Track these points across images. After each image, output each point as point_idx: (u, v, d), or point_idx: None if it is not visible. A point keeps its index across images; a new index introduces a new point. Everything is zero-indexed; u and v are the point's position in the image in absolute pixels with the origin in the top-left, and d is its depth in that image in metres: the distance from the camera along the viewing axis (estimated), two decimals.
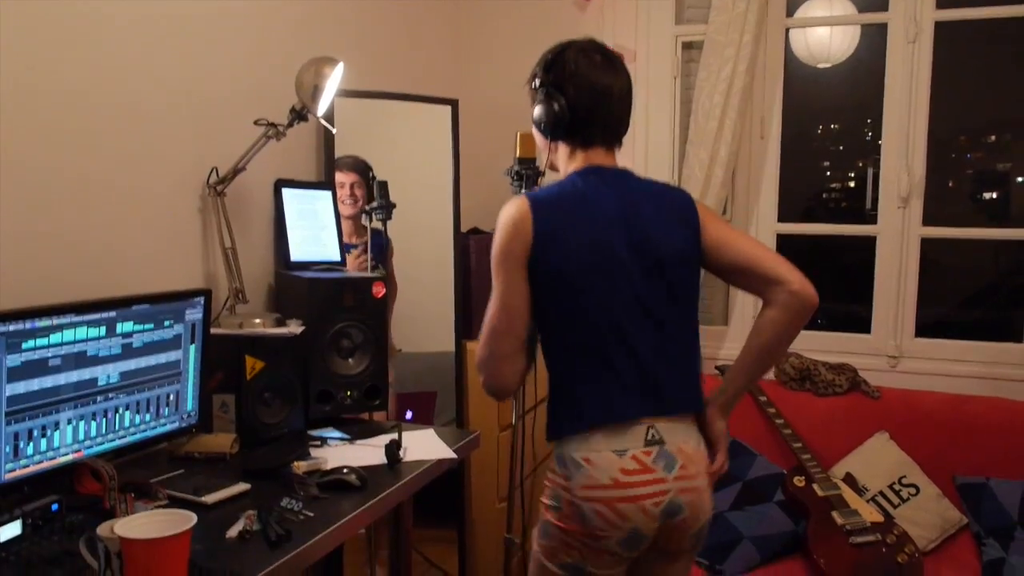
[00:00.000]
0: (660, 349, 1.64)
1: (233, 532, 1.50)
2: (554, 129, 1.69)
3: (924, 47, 3.00)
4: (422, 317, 3.05)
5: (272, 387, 2.09)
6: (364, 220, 2.85)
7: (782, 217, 3.28)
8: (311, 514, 1.61)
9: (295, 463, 1.83)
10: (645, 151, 3.37)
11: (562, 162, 1.74)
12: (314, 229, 2.53)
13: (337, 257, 2.54)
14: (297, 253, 2.45)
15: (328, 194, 2.59)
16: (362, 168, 2.81)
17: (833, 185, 3.94)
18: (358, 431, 2.17)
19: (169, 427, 1.90)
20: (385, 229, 2.74)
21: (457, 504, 2.99)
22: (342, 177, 2.78)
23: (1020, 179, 2.93)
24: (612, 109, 1.68)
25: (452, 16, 3.45)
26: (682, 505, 1.61)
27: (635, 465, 1.58)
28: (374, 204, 2.74)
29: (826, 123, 4.25)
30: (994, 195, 3.90)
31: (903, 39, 3.02)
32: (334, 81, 2.09)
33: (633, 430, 1.60)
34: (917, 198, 3.06)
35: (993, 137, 4.02)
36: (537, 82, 1.70)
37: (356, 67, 2.79)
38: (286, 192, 2.47)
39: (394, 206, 2.75)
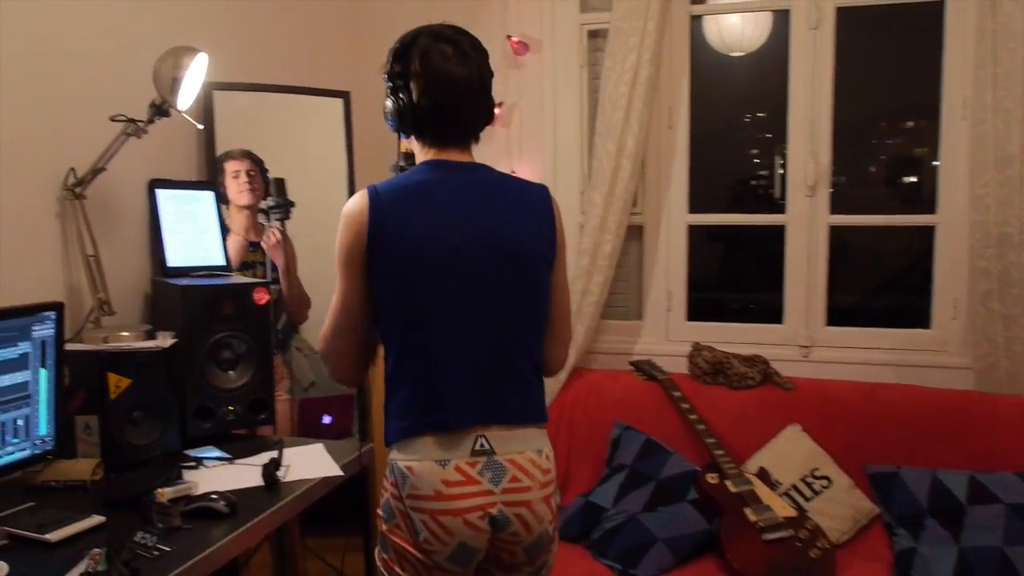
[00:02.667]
0: (502, 353, 1.57)
1: (74, 575, 1.34)
2: (400, 124, 1.60)
3: (826, 34, 2.97)
4: None
5: (141, 405, 1.93)
6: (260, 218, 2.69)
7: (695, 208, 3.23)
8: (167, 548, 1.46)
9: (159, 490, 1.67)
10: (554, 143, 3.28)
11: (418, 156, 1.65)
12: (194, 232, 2.36)
13: (220, 261, 2.38)
14: (175, 258, 2.28)
15: (210, 195, 2.42)
16: (256, 158, 2.66)
17: (747, 175, 3.92)
18: (241, 449, 2.02)
19: (18, 455, 1.73)
20: (284, 229, 2.60)
21: (361, 510, 2.85)
22: (236, 165, 2.62)
23: (935, 164, 2.93)
24: (462, 105, 1.57)
25: (345, 6, 3.28)
26: (510, 519, 1.54)
27: (458, 476, 1.51)
28: (270, 203, 2.59)
29: (741, 112, 4.22)
30: (912, 180, 3.93)
31: (805, 25, 2.99)
32: (196, 73, 1.94)
33: (461, 439, 1.52)
34: (824, 186, 3.03)
35: (911, 123, 4.05)
36: (384, 74, 1.60)
37: (241, 59, 2.64)
38: (161, 193, 2.30)
39: (292, 205, 2.61)
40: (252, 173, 2.64)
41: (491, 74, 1.63)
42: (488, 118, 1.64)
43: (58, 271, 2.02)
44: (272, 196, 2.58)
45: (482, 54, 1.60)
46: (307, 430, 2.89)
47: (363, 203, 1.53)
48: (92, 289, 2.00)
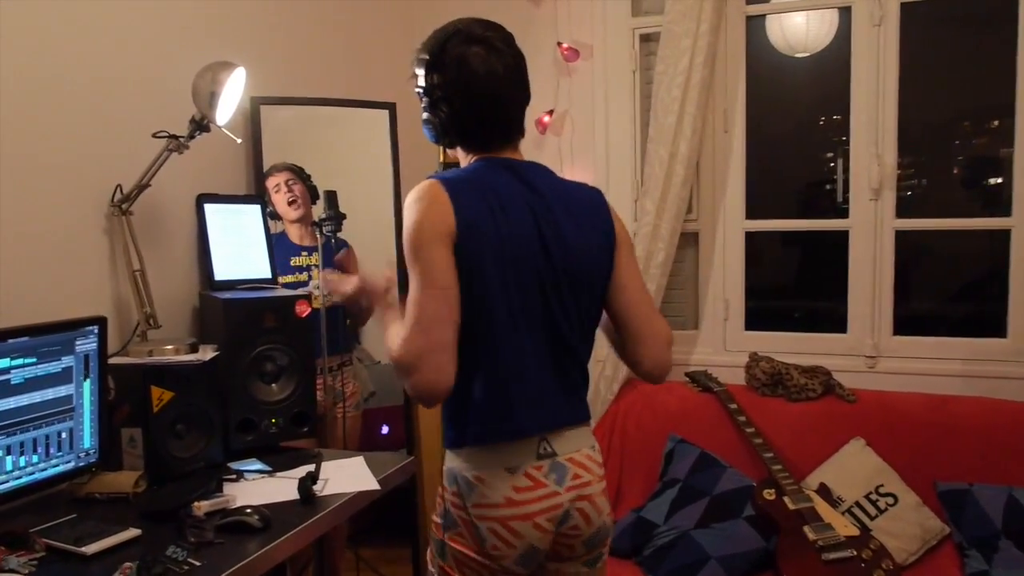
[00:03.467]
0: (560, 361, 1.55)
1: None
2: (444, 138, 1.56)
3: (890, 30, 2.84)
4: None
5: (185, 418, 1.95)
6: (313, 230, 2.71)
7: (753, 214, 3.13)
8: (197, 563, 1.46)
9: (196, 503, 1.68)
10: (606, 150, 3.22)
11: (464, 161, 1.61)
12: (241, 245, 2.39)
13: (267, 274, 2.40)
14: (222, 271, 2.31)
15: (256, 208, 2.45)
16: (293, 168, 2.68)
17: (809, 179, 3.77)
18: (283, 462, 2.03)
19: (63, 467, 1.76)
20: (335, 241, 2.62)
21: (410, 521, 2.84)
22: (275, 180, 2.65)
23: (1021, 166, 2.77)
24: (505, 105, 1.53)
25: (389, 18, 3.29)
26: (572, 514, 1.53)
27: (527, 482, 1.49)
28: (323, 216, 2.61)
29: (805, 115, 4.08)
30: (996, 182, 3.74)
31: (868, 22, 2.86)
32: (234, 88, 1.95)
33: (525, 444, 1.51)
34: (890, 189, 2.90)
35: (996, 122, 3.85)
36: (420, 88, 1.55)
37: (287, 74, 2.67)
38: (208, 207, 2.33)
39: (344, 217, 2.63)
40: (291, 182, 2.65)
41: (523, 58, 1.56)
42: (527, 102, 1.58)
43: (105, 286, 2.06)
44: (324, 209, 2.60)
45: (514, 45, 1.55)
46: (367, 442, 2.91)
47: (439, 189, 1.45)
48: (138, 303, 2.03)
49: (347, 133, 2.78)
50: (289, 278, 2.65)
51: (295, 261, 2.70)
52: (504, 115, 1.54)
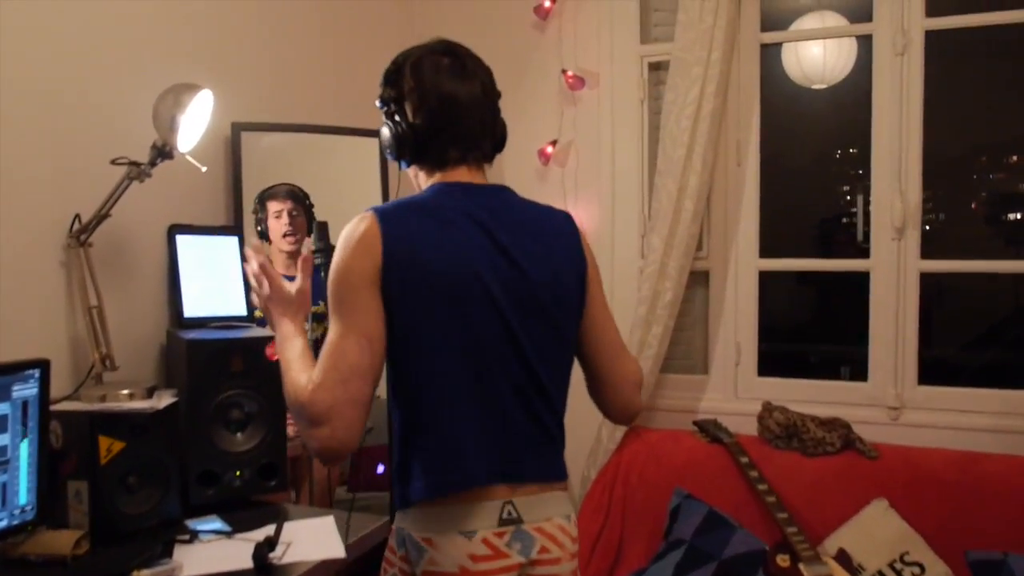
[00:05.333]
0: (526, 404, 1.37)
1: None
2: (399, 151, 1.41)
3: (914, 59, 2.67)
4: None
5: (137, 470, 1.77)
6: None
7: (767, 252, 2.94)
8: None
9: (136, 571, 1.50)
10: (612, 183, 3.06)
11: (422, 183, 1.47)
12: (216, 280, 2.23)
13: (242, 311, 2.23)
14: (192, 308, 2.15)
15: (234, 240, 2.29)
16: (298, 195, 2.55)
17: (827, 216, 3.60)
18: (246, 520, 1.84)
19: None
20: (324, 274, 2.47)
21: None
22: (278, 205, 2.52)
23: None
24: (462, 121, 1.39)
25: (377, 44, 3.14)
26: None
27: (486, 550, 1.32)
28: (313, 248, 2.48)
29: (822, 149, 3.92)
30: (1016, 218, 3.56)
31: (890, 51, 2.70)
32: (199, 111, 1.80)
33: (485, 506, 1.33)
34: (914, 228, 2.71)
35: (1015, 157, 3.68)
36: (378, 100, 1.44)
37: (269, 99, 2.53)
38: (181, 239, 2.17)
39: (334, 249, 2.48)
40: (294, 214, 2.53)
41: (497, 93, 1.46)
42: (498, 142, 1.47)
43: (60, 323, 1.90)
44: (315, 240, 2.46)
45: (485, 70, 1.44)
46: (361, 482, 2.73)
47: (371, 224, 1.32)
48: (93, 343, 1.87)
49: (334, 162, 2.63)
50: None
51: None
52: (463, 131, 1.40)
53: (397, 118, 1.39)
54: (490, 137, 1.44)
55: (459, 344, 1.32)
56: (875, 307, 2.78)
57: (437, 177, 1.43)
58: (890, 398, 2.74)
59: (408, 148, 1.41)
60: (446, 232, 1.33)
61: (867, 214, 2.82)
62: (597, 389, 1.53)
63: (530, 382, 1.37)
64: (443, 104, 1.37)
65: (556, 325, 1.40)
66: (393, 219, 1.32)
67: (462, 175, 1.42)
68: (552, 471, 1.42)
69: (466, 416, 1.34)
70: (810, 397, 2.83)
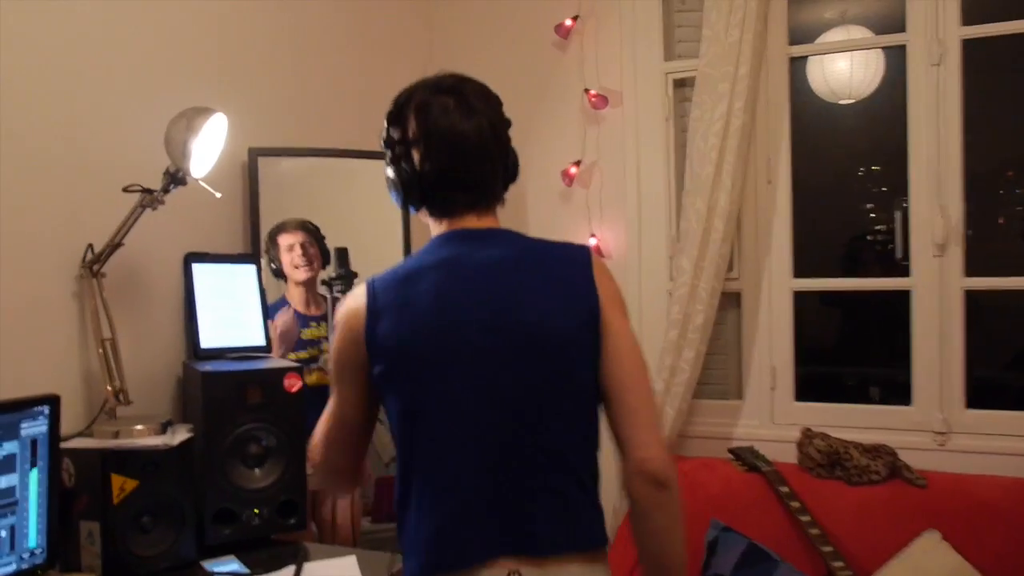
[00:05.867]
0: (528, 464, 1.24)
1: None
2: (406, 197, 1.36)
3: (951, 70, 2.57)
4: None
5: (151, 510, 1.70)
6: (322, 290, 2.51)
7: (801, 272, 2.84)
8: None
9: None
10: (637, 204, 2.97)
11: (432, 229, 1.40)
12: (233, 309, 2.16)
13: (260, 341, 2.16)
14: (209, 339, 2.08)
15: (251, 268, 2.23)
16: (309, 227, 2.50)
17: (862, 234, 3.49)
18: (265, 560, 1.76)
19: (2, 571, 1.51)
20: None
21: None
22: (290, 239, 2.46)
23: None
24: (471, 166, 1.32)
25: (398, 67, 3.09)
26: None
27: None
28: (332, 274, 2.42)
29: (852, 164, 3.82)
30: None
31: (926, 61, 2.60)
32: (212, 136, 1.74)
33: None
34: (956, 244, 2.59)
35: None
36: (382, 141, 1.39)
37: (287, 123, 2.48)
38: (197, 267, 2.12)
39: (355, 275, 2.42)
40: (306, 245, 2.48)
41: (507, 123, 1.38)
42: (509, 175, 1.40)
43: (74, 357, 1.84)
44: (335, 267, 2.41)
45: (493, 102, 1.36)
46: (385, 514, 2.65)
47: (360, 296, 1.32)
48: (107, 377, 1.80)
49: (354, 187, 2.57)
50: (302, 354, 2.43)
51: (305, 334, 2.48)
52: (469, 178, 1.33)
53: (404, 164, 1.33)
54: (501, 177, 1.37)
55: (446, 414, 1.25)
56: (917, 327, 2.66)
57: (444, 225, 1.36)
58: (936, 423, 2.61)
59: (416, 195, 1.35)
60: (431, 287, 1.27)
61: (906, 231, 2.71)
62: (619, 448, 1.30)
63: (532, 443, 1.25)
64: (450, 151, 1.30)
65: (561, 375, 1.26)
66: (380, 295, 1.30)
67: (470, 222, 1.35)
68: (568, 539, 1.25)
69: (457, 489, 1.24)
70: (850, 422, 2.71)
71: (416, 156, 1.32)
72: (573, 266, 1.32)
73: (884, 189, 3.54)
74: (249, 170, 2.32)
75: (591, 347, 1.28)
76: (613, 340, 1.28)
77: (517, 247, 1.34)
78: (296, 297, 2.51)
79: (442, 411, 1.24)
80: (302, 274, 2.47)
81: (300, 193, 2.44)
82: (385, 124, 1.38)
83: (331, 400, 1.40)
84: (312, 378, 2.41)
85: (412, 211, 1.40)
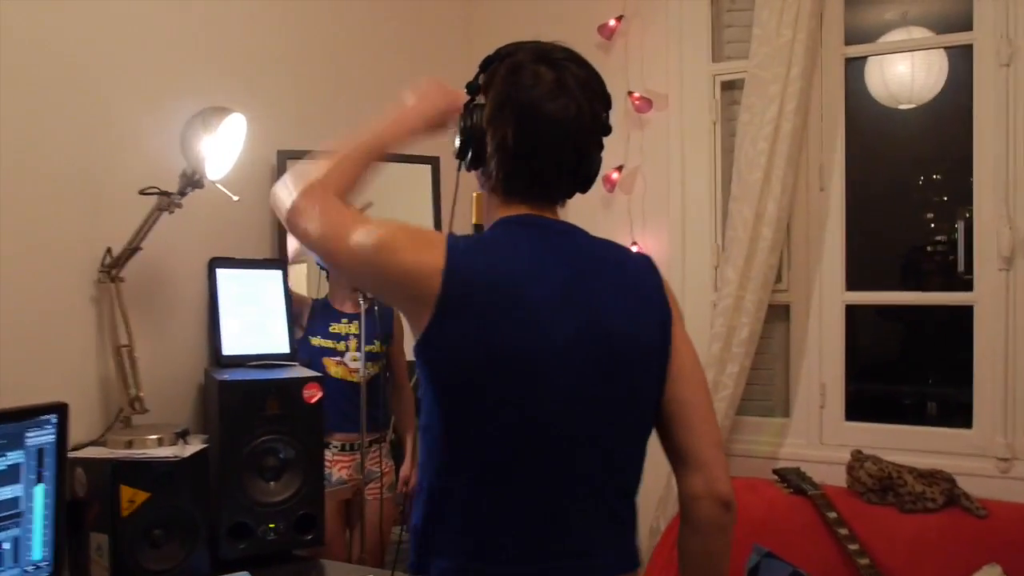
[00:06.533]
0: (588, 481, 1.16)
1: None
2: (462, 149, 1.24)
3: (1021, 70, 2.40)
4: None
5: (163, 523, 1.65)
6: (355, 295, 2.45)
7: (853, 284, 2.69)
8: None
9: None
10: (682, 211, 2.85)
11: (489, 212, 1.26)
12: (258, 316, 2.11)
13: (285, 349, 2.11)
14: (232, 346, 2.03)
15: (278, 274, 2.18)
16: None
17: (921, 245, 3.31)
18: None
19: None
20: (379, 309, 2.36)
21: None
22: None
23: None
24: (560, 152, 1.19)
25: (430, 68, 3.02)
26: None
27: None
28: None
29: (910, 172, 3.64)
30: None
31: (994, 62, 2.43)
32: (230, 137, 1.68)
33: None
34: None
35: None
36: (469, 84, 1.25)
37: (317, 126, 2.42)
38: (221, 273, 2.07)
39: None
40: None
41: (604, 117, 1.23)
42: (591, 177, 1.26)
43: (92, 363, 1.80)
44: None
45: (592, 91, 1.21)
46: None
47: (439, 239, 1.14)
48: (122, 384, 1.76)
49: (385, 189, 2.48)
50: (327, 343, 2.41)
51: (335, 328, 2.43)
52: (560, 164, 1.20)
53: (475, 117, 1.21)
54: (587, 170, 1.24)
55: (510, 403, 1.12)
56: (980, 345, 2.50)
57: (510, 209, 1.22)
58: (999, 448, 2.44)
59: (474, 152, 1.22)
60: (517, 280, 1.14)
61: (969, 242, 2.55)
62: (680, 471, 1.23)
63: (596, 458, 1.16)
64: (540, 129, 1.17)
65: (639, 387, 1.19)
66: (463, 245, 1.14)
67: (542, 210, 1.22)
68: (620, 563, 1.20)
69: (510, 492, 1.14)
70: (904, 445, 2.56)
71: (501, 131, 1.18)
72: (647, 275, 1.24)
73: (945, 198, 3.35)
74: (278, 173, 2.27)
75: (661, 361, 1.21)
76: (679, 357, 1.22)
77: (597, 247, 1.23)
78: (336, 296, 2.48)
79: (513, 404, 1.12)
80: None
81: None
82: (479, 66, 1.26)
83: (371, 227, 1.16)
84: (339, 371, 2.38)
85: (464, 168, 1.27)
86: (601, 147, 1.25)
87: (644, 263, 1.27)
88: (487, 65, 1.24)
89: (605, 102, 1.24)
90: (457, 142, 1.26)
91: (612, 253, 1.25)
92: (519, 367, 1.11)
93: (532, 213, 1.22)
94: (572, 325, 1.14)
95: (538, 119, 1.17)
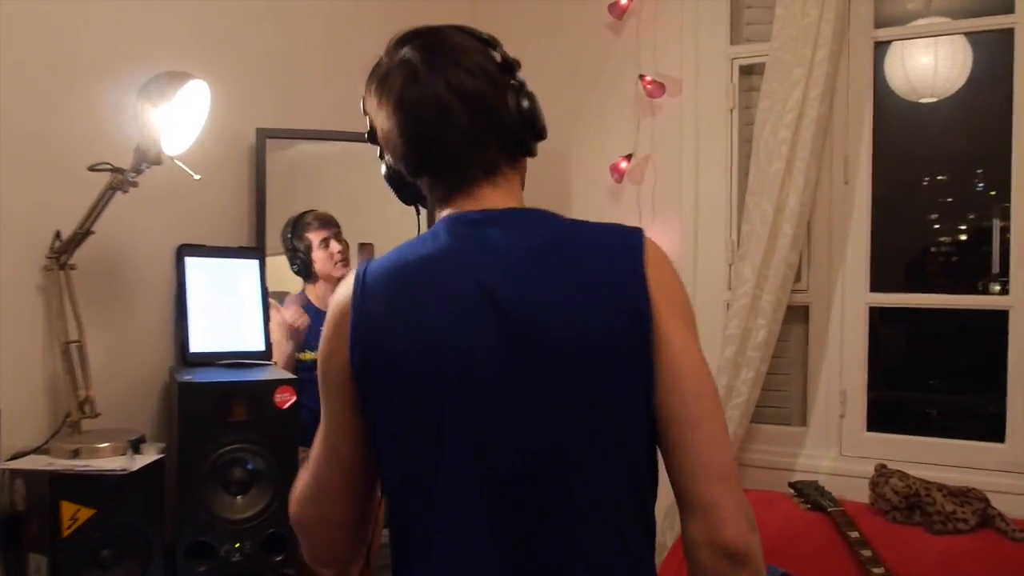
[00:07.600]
0: (546, 520, 0.96)
1: None
2: (398, 196, 1.17)
3: None
4: None
5: (112, 542, 1.48)
6: None
7: (878, 285, 2.51)
8: None
9: None
10: (695, 203, 2.68)
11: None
12: (230, 309, 1.93)
13: (260, 346, 1.93)
14: (200, 343, 1.85)
15: (254, 263, 1.99)
16: (333, 220, 2.32)
17: (951, 245, 3.14)
18: None
19: None
20: None
21: None
22: (322, 232, 2.27)
23: None
24: (442, 134, 1.03)
25: None
26: None
27: None
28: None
29: (933, 169, 3.48)
30: None
31: None
32: (192, 107, 1.50)
33: None
34: None
35: None
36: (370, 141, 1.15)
37: (299, 104, 2.24)
38: (190, 262, 1.89)
39: None
40: (340, 236, 2.30)
41: (494, 70, 1.06)
42: (519, 130, 1.07)
43: (38, 361, 1.62)
44: (359, 263, 2.20)
45: (447, 59, 1.06)
46: None
47: (347, 293, 1.04)
48: (71, 384, 1.57)
49: (371, 173, 2.33)
50: (311, 355, 2.23)
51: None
52: (440, 150, 1.05)
53: (385, 158, 1.11)
54: (493, 139, 1.05)
55: (433, 450, 0.97)
56: (1015, 353, 2.32)
57: (447, 209, 1.08)
58: None
59: (404, 190, 1.13)
60: (429, 288, 1.00)
61: (1004, 242, 2.37)
62: (681, 514, 1.01)
63: (562, 498, 0.96)
64: (410, 120, 1.04)
65: (599, 400, 0.97)
66: (370, 289, 1.02)
67: (468, 202, 1.06)
68: None
69: (451, 547, 0.98)
70: (931, 459, 2.39)
71: (385, 144, 1.09)
72: (617, 253, 1.00)
73: (972, 195, 3.18)
74: (256, 153, 2.08)
75: (638, 365, 0.97)
76: (670, 358, 0.98)
77: (542, 233, 1.03)
78: (315, 295, 2.31)
79: (437, 450, 0.96)
80: (340, 271, 2.30)
81: (313, 180, 2.22)
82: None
83: (320, 434, 1.09)
84: None
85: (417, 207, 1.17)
86: (509, 87, 1.06)
87: (618, 239, 1.04)
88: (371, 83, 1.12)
89: (474, 55, 1.07)
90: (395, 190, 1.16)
91: (564, 236, 1.03)
92: (436, 381, 0.98)
93: (452, 212, 1.06)
94: (493, 330, 0.96)
95: (408, 117, 1.05)
